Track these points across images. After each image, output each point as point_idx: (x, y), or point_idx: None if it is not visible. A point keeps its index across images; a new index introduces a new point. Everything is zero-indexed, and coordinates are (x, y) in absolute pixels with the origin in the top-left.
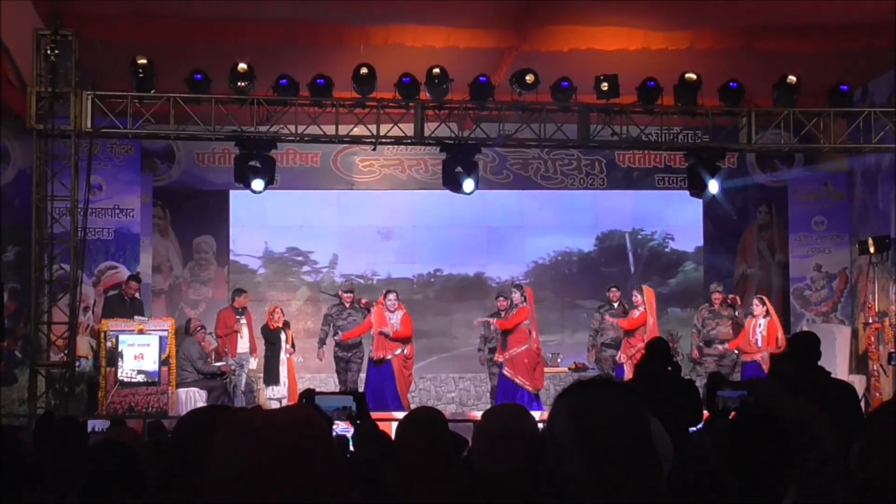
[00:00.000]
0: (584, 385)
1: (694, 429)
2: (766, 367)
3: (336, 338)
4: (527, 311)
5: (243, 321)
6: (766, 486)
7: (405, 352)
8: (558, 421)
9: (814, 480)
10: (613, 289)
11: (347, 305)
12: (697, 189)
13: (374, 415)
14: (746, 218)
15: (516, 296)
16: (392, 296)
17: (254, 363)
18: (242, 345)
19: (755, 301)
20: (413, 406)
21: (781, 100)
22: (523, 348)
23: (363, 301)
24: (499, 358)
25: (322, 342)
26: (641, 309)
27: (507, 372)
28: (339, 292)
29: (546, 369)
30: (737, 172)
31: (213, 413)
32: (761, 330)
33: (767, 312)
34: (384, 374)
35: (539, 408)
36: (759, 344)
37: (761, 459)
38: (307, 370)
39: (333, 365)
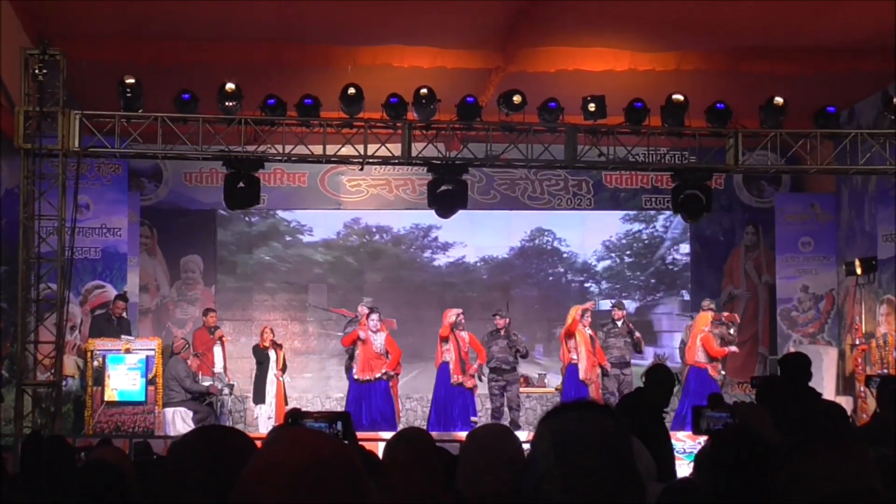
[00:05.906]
0: (566, 409)
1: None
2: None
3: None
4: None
5: (219, 345)
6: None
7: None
8: (541, 445)
9: None
10: (615, 308)
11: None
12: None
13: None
14: (733, 238)
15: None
16: (375, 316)
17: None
18: (217, 364)
19: None
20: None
21: (768, 121)
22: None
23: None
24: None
25: (351, 357)
26: None
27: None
28: (360, 307)
29: (532, 389)
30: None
31: (208, 436)
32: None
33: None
34: (366, 395)
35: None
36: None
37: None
38: (294, 389)
39: (327, 383)
